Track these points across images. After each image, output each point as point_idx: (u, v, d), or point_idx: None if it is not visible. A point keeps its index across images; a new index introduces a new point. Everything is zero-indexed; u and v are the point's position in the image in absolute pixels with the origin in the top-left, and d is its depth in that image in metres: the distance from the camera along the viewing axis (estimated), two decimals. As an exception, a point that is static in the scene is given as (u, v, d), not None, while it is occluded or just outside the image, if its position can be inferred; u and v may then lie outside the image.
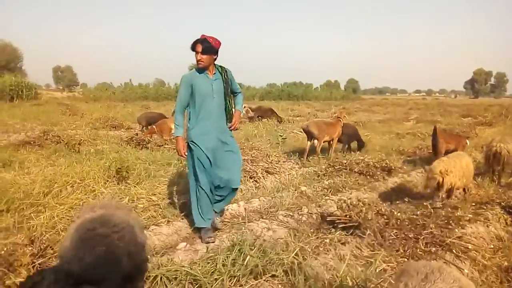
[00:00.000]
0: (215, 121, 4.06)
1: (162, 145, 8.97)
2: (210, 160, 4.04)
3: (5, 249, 3.17)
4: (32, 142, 8.51)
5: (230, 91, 4.16)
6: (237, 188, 4.39)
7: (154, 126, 10.51)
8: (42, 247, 3.39)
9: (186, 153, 4.10)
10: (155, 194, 5.31)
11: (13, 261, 2.98)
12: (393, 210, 4.45)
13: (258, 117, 16.23)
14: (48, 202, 4.66)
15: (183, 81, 4.03)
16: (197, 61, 3.92)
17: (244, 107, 16.37)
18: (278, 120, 16.00)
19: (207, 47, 3.85)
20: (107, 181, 5.69)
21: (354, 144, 9.70)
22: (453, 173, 5.20)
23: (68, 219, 4.32)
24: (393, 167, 7.16)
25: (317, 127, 8.13)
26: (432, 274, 1.78)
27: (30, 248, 3.27)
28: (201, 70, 3.99)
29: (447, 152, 7.11)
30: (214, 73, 4.04)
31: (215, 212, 4.36)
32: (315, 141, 8.28)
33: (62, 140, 8.72)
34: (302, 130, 9.02)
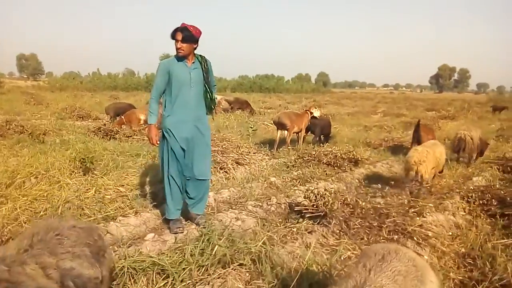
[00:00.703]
0: (192, 110, 4.00)
1: (131, 136, 8.83)
2: (183, 150, 4.00)
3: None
4: (-8, 132, 8.16)
5: (209, 81, 4.10)
6: (208, 180, 4.36)
7: (122, 117, 10.31)
8: (4, 239, 3.29)
9: (159, 142, 4.05)
10: (123, 185, 5.23)
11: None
12: (358, 200, 4.59)
13: (237, 109, 16.58)
14: (10, 194, 4.51)
15: (160, 68, 3.95)
16: (177, 49, 3.85)
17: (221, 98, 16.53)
18: (251, 112, 16.16)
19: (187, 35, 3.79)
20: (73, 172, 5.54)
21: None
22: (426, 163, 5.48)
23: (31, 211, 4.21)
24: (360, 158, 7.35)
25: (289, 118, 8.26)
26: (388, 255, 1.88)
27: (-9, 241, 3.17)
28: (180, 58, 3.93)
29: None
30: (193, 62, 3.98)
31: (198, 214, 4.27)
32: (285, 132, 8.40)
33: (26, 130, 8.40)
34: (273, 122, 9.10)
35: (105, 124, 9.72)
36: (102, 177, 5.37)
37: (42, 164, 5.52)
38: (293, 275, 2.99)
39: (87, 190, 4.92)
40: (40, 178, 5.16)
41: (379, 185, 5.88)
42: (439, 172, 6.40)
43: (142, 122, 9.98)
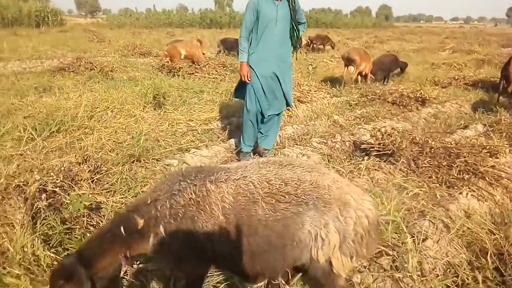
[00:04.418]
0: (276, 48, 3.99)
1: (193, 73, 9.02)
2: (263, 88, 4.06)
3: (64, 166, 3.47)
4: (66, 69, 8.69)
5: (295, 19, 4.04)
6: (280, 117, 4.44)
7: (165, 52, 10.36)
8: (96, 165, 3.66)
9: (250, 79, 4.07)
10: (192, 120, 5.50)
11: (74, 176, 3.27)
12: (427, 139, 4.49)
13: (319, 45, 16.54)
14: (93, 125, 4.91)
15: (249, 6, 3.94)
16: None
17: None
18: (332, 47, 16.29)
19: None
20: (145, 106, 5.88)
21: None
22: None
23: (114, 141, 4.59)
24: (427, 98, 7.03)
25: (358, 54, 7.99)
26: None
27: (86, 166, 3.55)
28: None
29: None
30: (281, 0, 3.93)
31: (266, 149, 4.44)
32: (351, 68, 8.17)
33: (95, 67, 8.86)
34: (341, 57, 8.82)
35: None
36: (173, 112, 5.65)
37: (116, 99, 5.89)
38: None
39: (160, 124, 5.24)
40: (116, 112, 5.55)
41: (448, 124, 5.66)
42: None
43: (183, 57, 10.05)
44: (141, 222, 1.81)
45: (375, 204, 2.11)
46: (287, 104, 4.33)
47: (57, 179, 3.14)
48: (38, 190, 2.97)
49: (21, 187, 3.15)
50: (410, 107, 6.73)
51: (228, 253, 1.86)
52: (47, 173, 3.36)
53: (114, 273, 1.83)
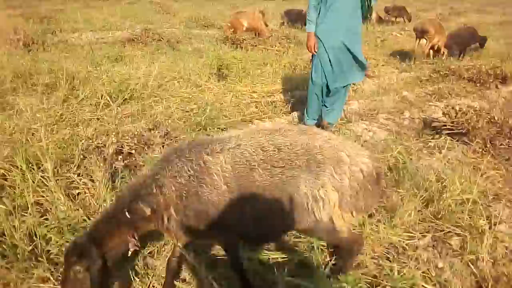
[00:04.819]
0: (346, 19, 3.83)
1: (256, 45, 8.99)
2: (330, 61, 3.94)
3: (137, 131, 3.69)
4: (135, 39, 9.05)
5: None
6: (346, 91, 4.29)
7: (228, 24, 10.32)
8: (165, 131, 3.84)
9: (317, 50, 3.97)
10: (255, 92, 5.53)
11: (147, 140, 3.46)
12: (507, 119, 4.15)
13: (395, 16, 15.89)
14: (162, 94, 5.12)
15: None
16: None
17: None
18: (408, 19, 15.45)
19: None
20: (209, 78, 6.00)
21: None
22: None
23: (181, 110, 4.76)
24: (508, 75, 6.43)
25: (433, 26, 7.47)
26: None
27: (156, 132, 3.73)
28: None
29: None
30: None
31: (330, 123, 4.35)
32: (423, 41, 7.68)
33: (162, 38, 9.15)
34: (414, 29, 8.29)
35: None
36: (236, 84, 5.72)
37: (182, 70, 6.07)
38: (434, 187, 2.95)
39: (224, 94, 5.33)
40: (182, 82, 5.73)
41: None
42: None
43: (245, 28, 9.97)
44: (148, 211, 1.87)
45: (373, 158, 2.13)
46: (363, 67, 4.12)
47: (131, 143, 3.35)
48: (115, 151, 3.20)
49: (100, 148, 3.41)
50: (488, 85, 6.21)
51: (233, 219, 1.91)
52: (122, 137, 3.60)
53: (125, 252, 1.89)
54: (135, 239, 1.87)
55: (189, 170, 1.89)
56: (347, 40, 3.88)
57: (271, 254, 2.43)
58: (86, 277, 1.73)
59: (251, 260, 2.36)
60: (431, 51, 8.10)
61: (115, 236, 1.86)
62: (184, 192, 1.87)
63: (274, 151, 1.93)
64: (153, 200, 1.88)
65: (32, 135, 3.70)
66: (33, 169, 2.93)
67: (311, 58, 4.18)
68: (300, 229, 2.08)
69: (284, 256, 2.40)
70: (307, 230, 2.07)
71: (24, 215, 2.50)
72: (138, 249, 1.90)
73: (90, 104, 4.67)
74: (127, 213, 1.84)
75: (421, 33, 7.72)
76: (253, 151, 1.93)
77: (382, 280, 2.21)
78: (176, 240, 2.03)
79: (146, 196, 1.89)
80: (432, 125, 4.37)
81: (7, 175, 2.93)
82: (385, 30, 12.32)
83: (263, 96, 5.43)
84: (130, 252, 1.88)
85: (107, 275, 1.85)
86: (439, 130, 4.27)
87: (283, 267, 2.12)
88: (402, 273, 2.23)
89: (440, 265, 2.40)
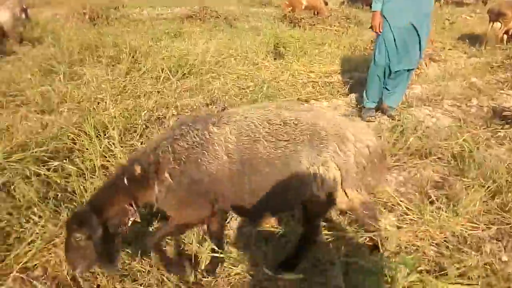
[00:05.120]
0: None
1: (314, 24, 8.77)
2: (395, 41, 3.75)
3: (195, 105, 3.77)
4: (193, 16, 9.18)
5: None
6: (410, 74, 4.09)
7: (286, 2, 10.09)
8: (223, 107, 3.90)
9: (381, 30, 3.81)
10: (312, 72, 5.42)
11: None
12: None
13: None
14: (219, 71, 5.17)
15: None
16: None
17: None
18: (483, 2, 14.05)
19: None
20: (266, 56, 5.96)
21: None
22: None
23: (238, 87, 4.79)
24: None
25: (511, 9, 6.85)
26: None
27: (214, 107, 3.80)
28: None
29: None
30: None
31: (391, 107, 4.19)
32: (498, 24, 7.08)
33: (220, 15, 9.20)
34: (488, 11, 7.67)
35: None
36: (293, 63, 5.64)
37: (239, 47, 6.07)
38: (503, 179, 2.76)
39: (281, 73, 5.28)
40: (239, 60, 5.74)
41: None
42: None
43: (304, 7, 9.70)
44: (138, 169, 1.86)
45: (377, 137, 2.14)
46: (420, 55, 3.92)
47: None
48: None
49: (161, 119, 3.53)
50: None
51: (232, 192, 1.91)
52: (181, 110, 3.69)
53: (125, 222, 1.90)
54: (134, 208, 1.89)
55: (194, 137, 1.90)
56: (415, 21, 3.67)
57: (325, 234, 2.41)
58: (89, 244, 1.78)
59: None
60: (505, 36, 7.46)
61: (114, 204, 1.88)
62: (184, 157, 1.87)
63: (280, 124, 1.93)
64: (144, 159, 1.91)
65: (98, 104, 3.92)
66: (100, 135, 3.10)
67: (375, 38, 4.00)
68: (299, 203, 2.08)
69: (339, 235, 2.38)
70: (306, 204, 2.05)
71: (92, 177, 2.66)
72: (138, 220, 1.92)
73: (151, 77, 4.82)
74: (125, 180, 1.87)
75: (496, 16, 7.11)
76: (259, 124, 1.93)
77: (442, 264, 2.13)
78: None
79: (140, 156, 1.95)
80: (503, 114, 4.06)
81: (76, 139, 3.13)
82: (455, 12, 11.49)
83: (321, 77, 5.32)
84: (130, 222, 1.90)
85: (111, 243, 1.88)
86: (509, 120, 3.97)
87: (340, 246, 2.10)
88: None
89: (505, 258, 2.26)
